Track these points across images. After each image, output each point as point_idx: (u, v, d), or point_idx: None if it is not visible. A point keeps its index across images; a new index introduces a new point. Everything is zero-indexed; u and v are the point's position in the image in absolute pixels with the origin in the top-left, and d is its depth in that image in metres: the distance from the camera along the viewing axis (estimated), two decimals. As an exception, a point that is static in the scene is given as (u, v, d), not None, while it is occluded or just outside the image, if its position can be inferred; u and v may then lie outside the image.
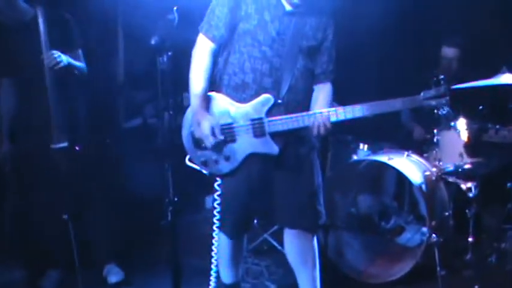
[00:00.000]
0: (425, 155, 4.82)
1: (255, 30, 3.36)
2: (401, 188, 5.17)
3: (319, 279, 3.68)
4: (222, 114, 3.43)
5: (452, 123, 4.28)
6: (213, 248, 3.63)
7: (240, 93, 3.43)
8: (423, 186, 4.47)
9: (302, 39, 3.41)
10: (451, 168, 4.29)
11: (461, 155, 4.22)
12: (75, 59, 4.24)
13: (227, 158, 3.44)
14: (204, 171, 3.54)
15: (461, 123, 4.25)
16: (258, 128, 3.38)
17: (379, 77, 6.06)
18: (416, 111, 5.22)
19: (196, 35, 3.49)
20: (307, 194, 3.55)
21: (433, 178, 4.50)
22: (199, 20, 3.51)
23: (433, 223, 4.32)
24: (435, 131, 4.45)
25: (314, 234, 3.67)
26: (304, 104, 3.46)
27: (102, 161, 4.74)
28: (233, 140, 3.42)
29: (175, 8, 3.25)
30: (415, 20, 5.92)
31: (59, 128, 4.06)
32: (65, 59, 4.07)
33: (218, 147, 3.41)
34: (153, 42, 3.13)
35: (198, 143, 3.47)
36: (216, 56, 3.49)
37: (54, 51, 4.02)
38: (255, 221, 4.79)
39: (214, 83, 3.50)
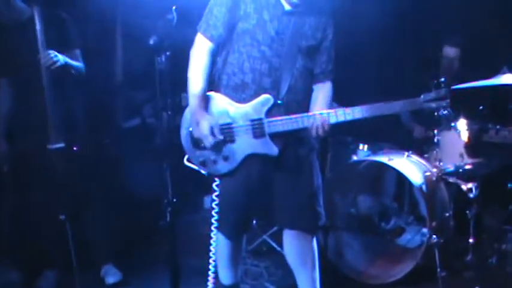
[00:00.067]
0: (425, 155, 4.82)
1: (254, 30, 3.35)
2: (402, 189, 5.16)
3: (318, 280, 3.67)
4: (221, 114, 3.41)
5: (452, 124, 4.27)
6: (211, 248, 3.62)
7: (240, 94, 3.41)
8: (423, 187, 4.46)
9: (301, 39, 3.39)
10: (451, 168, 4.28)
11: (461, 156, 4.22)
12: (73, 58, 4.23)
13: (226, 158, 3.42)
14: (203, 172, 3.53)
15: (462, 124, 4.24)
16: (257, 128, 3.37)
17: (379, 77, 6.05)
18: (417, 113, 5.21)
19: (195, 34, 3.48)
20: (307, 195, 3.53)
21: (434, 179, 4.49)
22: (198, 19, 3.50)
23: (434, 224, 4.30)
24: (435, 131, 4.43)
25: (314, 235, 3.66)
26: (304, 104, 3.45)
27: (101, 161, 4.73)
28: (232, 140, 3.41)
29: (174, 8, 3.23)
30: (415, 19, 5.91)
31: (55, 128, 4.05)
32: (61, 58, 4.06)
33: (217, 147, 3.39)
34: (151, 42, 3.12)
35: (196, 143, 3.45)
36: (214, 55, 3.47)
37: (51, 51, 4.01)
38: (254, 222, 4.79)
39: (212, 83, 3.48)
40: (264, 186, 3.49)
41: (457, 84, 4.09)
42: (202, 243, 3.82)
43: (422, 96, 3.34)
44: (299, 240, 3.62)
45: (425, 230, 4.47)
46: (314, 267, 3.65)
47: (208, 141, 3.36)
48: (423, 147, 4.96)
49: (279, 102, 3.35)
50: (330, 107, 3.45)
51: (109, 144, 5.36)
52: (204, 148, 3.43)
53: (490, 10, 5.59)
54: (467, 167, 4.20)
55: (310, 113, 3.37)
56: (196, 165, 3.51)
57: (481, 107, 4.51)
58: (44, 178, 4.16)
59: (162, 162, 3.18)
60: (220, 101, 3.44)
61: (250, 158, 3.41)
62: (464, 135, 4.23)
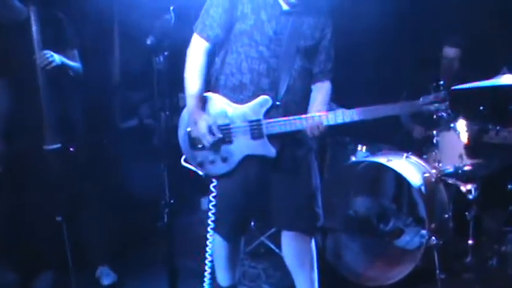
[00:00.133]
0: (424, 156, 4.80)
1: (251, 30, 3.33)
2: (400, 190, 5.14)
3: (317, 282, 3.66)
4: (218, 114, 3.39)
5: (452, 125, 4.26)
6: (207, 249, 3.60)
7: (238, 94, 3.39)
8: (422, 188, 4.44)
9: (300, 39, 3.38)
10: (450, 169, 4.27)
11: (461, 157, 4.22)
12: (70, 59, 4.21)
13: (223, 159, 3.41)
14: (200, 172, 3.51)
15: (461, 124, 4.24)
16: (255, 129, 3.35)
17: (377, 77, 6.03)
18: (416, 114, 5.19)
19: (193, 35, 3.46)
20: (305, 196, 3.52)
21: (433, 180, 4.48)
22: (195, 19, 3.49)
23: (433, 225, 4.29)
24: (435, 132, 4.42)
25: (312, 236, 3.65)
26: (303, 105, 3.43)
27: (97, 162, 4.71)
28: (230, 141, 3.39)
29: (171, 8, 3.22)
30: (413, 19, 5.90)
31: (51, 128, 4.03)
32: (57, 58, 4.03)
33: (215, 146, 3.37)
34: (149, 42, 3.12)
35: (194, 143, 3.43)
36: (211, 55, 3.46)
37: (47, 51, 3.99)
38: (252, 224, 4.79)
39: (210, 84, 3.47)
40: (262, 188, 3.48)
41: (457, 85, 4.07)
42: (199, 245, 3.79)
43: (421, 99, 3.32)
44: (297, 242, 3.61)
45: (424, 231, 4.45)
46: (312, 268, 3.64)
47: (207, 140, 3.33)
48: (422, 148, 4.95)
49: (277, 103, 3.34)
50: (328, 107, 3.43)
51: (106, 145, 5.35)
52: (202, 149, 3.41)
53: (490, 10, 5.58)
54: (467, 168, 4.20)
55: (309, 114, 3.35)
56: (193, 166, 3.49)
57: (481, 108, 4.50)
58: (40, 179, 4.14)
59: (159, 163, 3.17)
60: (218, 102, 3.41)
61: (248, 159, 3.39)
62: (464, 136, 4.23)
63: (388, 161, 4.54)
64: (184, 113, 3.48)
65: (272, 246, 4.92)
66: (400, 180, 4.84)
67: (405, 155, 4.71)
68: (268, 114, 3.33)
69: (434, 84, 3.37)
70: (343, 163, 5.12)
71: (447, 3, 5.71)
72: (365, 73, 5.96)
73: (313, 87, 3.51)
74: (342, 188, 4.89)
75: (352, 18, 5.12)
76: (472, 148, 4.20)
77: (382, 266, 4.70)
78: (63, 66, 4.09)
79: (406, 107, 3.40)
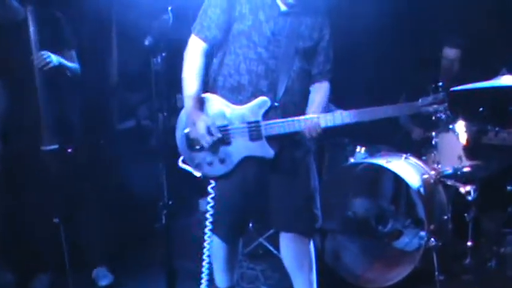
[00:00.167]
0: (423, 157, 4.79)
1: (249, 31, 3.32)
2: (399, 191, 5.14)
3: (316, 284, 3.65)
4: (217, 115, 3.38)
5: (451, 126, 4.25)
6: (205, 251, 3.58)
7: (236, 95, 3.38)
8: (421, 190, 4.43)
9: (298, 40, 3.37)
10: (449, 171, 4.27)
11: (460, 158, 4.22)
12: (68, 59, 4.21)
13: (222, 161, 3.39)
14: (198, 174, 3.49)
15: (460, 126, 4.24)
16: (254, 131, 3.34)
17: (376, 78, 6.02)
18: (415, 115, 5.19)
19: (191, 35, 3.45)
20: (303, 198, 3.51)
21: (432, 181, 4.47)
22: (193, 20, 3.48)
23: (432, 227, 4.27)
24: (434, 133, 4.41)
25: (310, 238, 3.64)
26: (301, 106, 3.42)
27: (95, 163, 4.71)
28: (228, 143, 3.37)
29: (169, 8, 3.21)
30: (412, 19, 5.89)
31: (49, 129, 4.02)
32: (55, 59, 4.03)
33: (214, 147, 3.36)
34: (147, 42, 3.12)
35: (192, 144, 3.42)
36: (208, 56, 3.44)
37: (44, 52, 3.98)
38: (251, 225, 4.77)
39: (208, 84, 3.45)
40: (260, 189, 3.46)
41: (456, 86, 4.06)
42: (197, 246, 3.78)
43: (420, 100, 3.32)
44: (296, 243, 3.60)
45: (423, 233, 4.47)
46: (311, 270, 3.63)
47: (206, 140, 3.32)
48: (421, 149, 4.93)
49: (275, 104, 3.33)
50: (327, 108, 3.42)
51: (104, 146, 5.34)
52: (200, 150, 3.40)
53: (489, 10, 5.57)
54: (466, 169, 4.20)
55: (307, 116, 3.34)
56: (191, 167, 3.48)
57: (480, 109, 4.49)
58: (37, 179, 4.14)
59: (157, 164, 3.16)
60: (216, 103, 3.40)
61: (246, 160, 3.38)
62: (463, 137, 4.22)
63: (387, 162, 4.53)
64: (183, 114, 3.47)
65: (270, 247, 4.91)
66: (398, 181, 4.83)
67: (404, 156, 4.69)
68: (266, 115, 3.32)
69: (433, 86, 3.36)
70: (342, 164, 5.11)
71: (446, 3, 5.70)
72: (364, 74, 5.95)
73: (311, 88, 3.49)
74: (340, 189, 4.87)
75: (351, 18, 5.12)
76: (471, 149, 4.20)
77: (381, 267, 4.69)
78: (60, 67, 4.09)
79: (405, 109, 3.40)
